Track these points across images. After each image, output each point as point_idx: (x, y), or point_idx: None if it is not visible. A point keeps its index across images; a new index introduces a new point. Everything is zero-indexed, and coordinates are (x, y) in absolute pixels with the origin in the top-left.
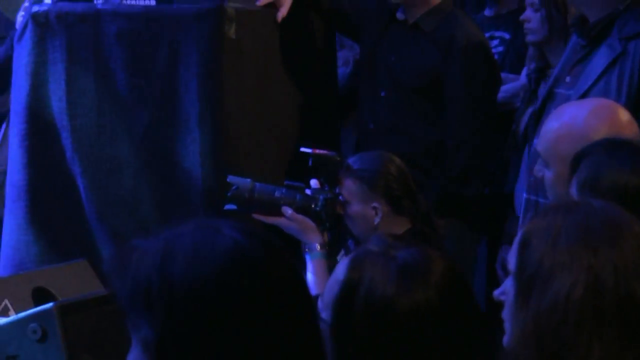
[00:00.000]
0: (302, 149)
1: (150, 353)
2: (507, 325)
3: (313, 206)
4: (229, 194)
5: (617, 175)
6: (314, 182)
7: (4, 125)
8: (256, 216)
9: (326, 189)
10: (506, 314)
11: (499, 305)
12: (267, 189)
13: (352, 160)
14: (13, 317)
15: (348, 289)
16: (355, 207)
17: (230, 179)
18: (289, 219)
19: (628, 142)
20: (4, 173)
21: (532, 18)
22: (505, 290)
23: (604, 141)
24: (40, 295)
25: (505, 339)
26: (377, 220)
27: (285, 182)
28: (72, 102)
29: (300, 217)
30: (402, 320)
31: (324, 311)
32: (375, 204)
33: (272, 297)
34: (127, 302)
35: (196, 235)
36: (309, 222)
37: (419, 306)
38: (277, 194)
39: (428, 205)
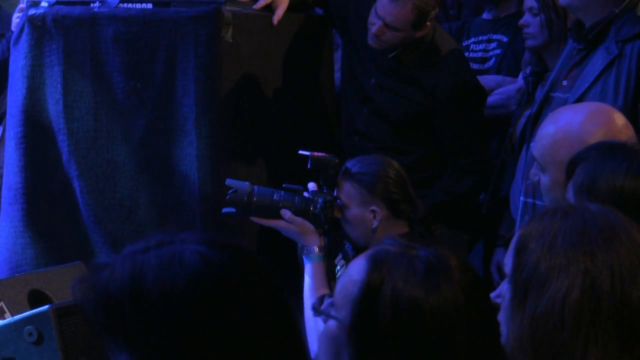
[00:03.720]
0: (301, 152)
1: None
2: (503, 328)
3: (312, 209)
4: (227, 197)
5: (613, 178)
6: (311, 185)
7: (0, 128)
8: (255, 219)
9: (325, 191)
10: (502, 317)
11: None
12: (266, 191)
13: (350, 164)
14: (9, 319)
15: (371, 290)
16: (354, 211)
17: (229, 182)
18: (288, 221)
19: (622, 145)
20: (0, 176)
21: (531, 23)
22: (502, 293)
23: (599, 145)
24: (36, 298)
25: (502, 342)
26: (375, 223)
27: (284, 185)
28: (68, 106)
29: (299, 219)
30: (430, 319)
31: (338, 311)
32: (373, 208)
33: (246, 307)
34: (102, 327)
35: (163, 252)
36: (307, 225)
37: (447, 304)
38: (275, 196)
39: (425, 210)
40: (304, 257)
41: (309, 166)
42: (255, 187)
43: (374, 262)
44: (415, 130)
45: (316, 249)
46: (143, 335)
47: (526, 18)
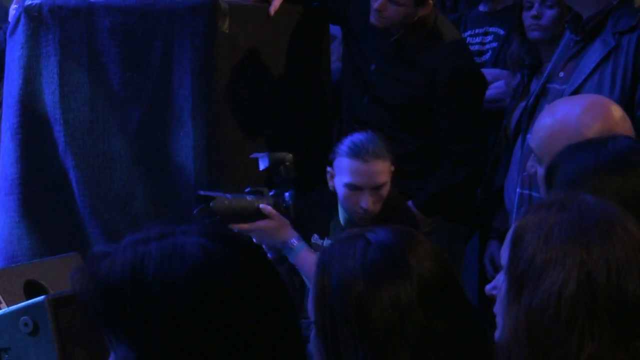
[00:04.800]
0: (253, 155)
1: None
2: (499, 320)
3: (281, 203)
4: (210, 204)
5: (590, 179)
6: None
7: None
8: (234, 226)
9: (282, 188)
10: (498, 309)
11: (491, 300)
12: (239, 195)
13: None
14: (5, 310)
15: (322, 292)
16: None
17: (202, 192)
18: (269, 215)
19: (588, 143)
20: None
21: (545, 14)
22: (497, 285)
23: (565, 149)
24: (32, 289)
25: (497, 334)
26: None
27: (247, 190)
28: (65, 96)
29: (277, 213)
30: (380, 313)
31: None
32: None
33: (247, 299)
34: (101, 318)
35: (164, 243)
36: (284, 219)
37: (398, 297)
38: (249, 197)
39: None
40: (287, 253)
41: (265, 167)
42: (228, 195)
43: (321, 264)
44: (414, 118)
45: (295, 240)
46: (142, 327)
47: (538, 9)
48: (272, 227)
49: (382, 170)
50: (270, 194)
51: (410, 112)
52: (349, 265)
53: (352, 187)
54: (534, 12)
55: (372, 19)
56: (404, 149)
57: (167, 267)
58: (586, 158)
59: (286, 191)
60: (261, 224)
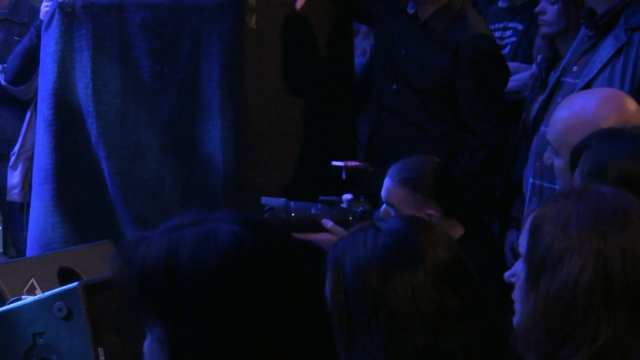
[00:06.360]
0: (334, 163)
1: (166, 354)
2: (517, 306)
3: (350, 218)
4: (265, 216)
5: (619, 163)
6: (347, 196)
7: (28, 113)
8: (294, 235)
9: (361, 200)
10: (517, 296)
11: (510, 287)
12: (302, 206)
13: (397, 169)
14: (39, 295)
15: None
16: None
17: (265, 200)
18: (330, 231)
19: (623, 130)
20: (31, 158)
21: (548, 10)
22: (516, 272)
23: (600, 132)
24: (65, 275)
25: (516, 320)
26: None
27: (320, 198)
28: (97, 89)
29: (341, 229)
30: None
31: None
32: (429, 211)
33: (276, 285)
34: (136, 300)
35: (197, 230)
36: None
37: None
38: (313, 210)
39: (472, 204)
40: None
41: (343, 177)
42: (292, 203)
43: (334, 255)
44: (441, 103)
45: None
46: (174, 310)
47: (543, 5)
48: (331, 241)
49: (391, 191)
50: (342, 206)
51: (438, 96)
52: (361, 253)
53: None
54: (539, 8)
55: None
56: (430, 136)
57: (199, 252)
58: (619, 144)
59: (360, 207)
60: (321, 236)
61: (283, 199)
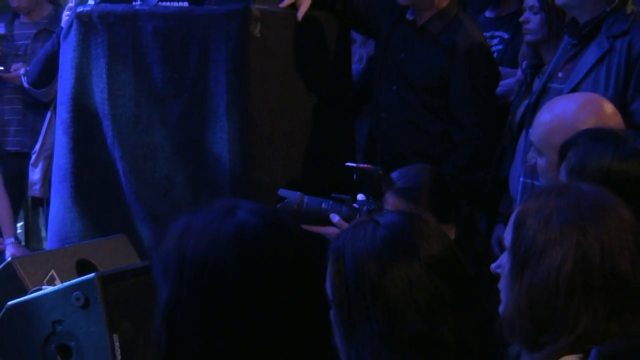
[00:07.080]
0: (348, 164)
1: (161, 313)
2: (503, 296)
3: (358, 216)
4: (278, 206)
5: (601, 161)
6: (360, 196)
7: (48, 114)
8: (304, 226)
9: (370, 200)
10: (502, 285)
11: (496, 278)
12: (315, 201)
13: (395, 178)
14: (59, 286)
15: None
16: None
17: (281, 192)
18: (336, 225)
19: (609, 131)
20: (51, 157)
21: (531, 20)
22: (502, 264)
23: (589, 131)
24: (83, 267)
25: (502, 308)
26: None
27: (332, 195)
28: (112, 94)
29: (346, 224)
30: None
31: None
32: None
33: (271, 276)
34: (155, 271)
35: (209, 217)
36: None
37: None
38: (324, 205)
39: (468, 209)
40: None
41: (355, 177)
42: (306, 197)
43: (335, 247)
44: (439, 101)
45: None
46: (177, 280)
47: (527, 15)
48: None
49: (387, 199)
50: (354, 205)
51: (435, 93)
52: (361, 245)
53: None
54: (523, 17)
55: None
56: (428, 134)
57: (204, 237)
58: (605, 144)
59: (367, 206)
60: (329, 229)
61: (298, 193)
